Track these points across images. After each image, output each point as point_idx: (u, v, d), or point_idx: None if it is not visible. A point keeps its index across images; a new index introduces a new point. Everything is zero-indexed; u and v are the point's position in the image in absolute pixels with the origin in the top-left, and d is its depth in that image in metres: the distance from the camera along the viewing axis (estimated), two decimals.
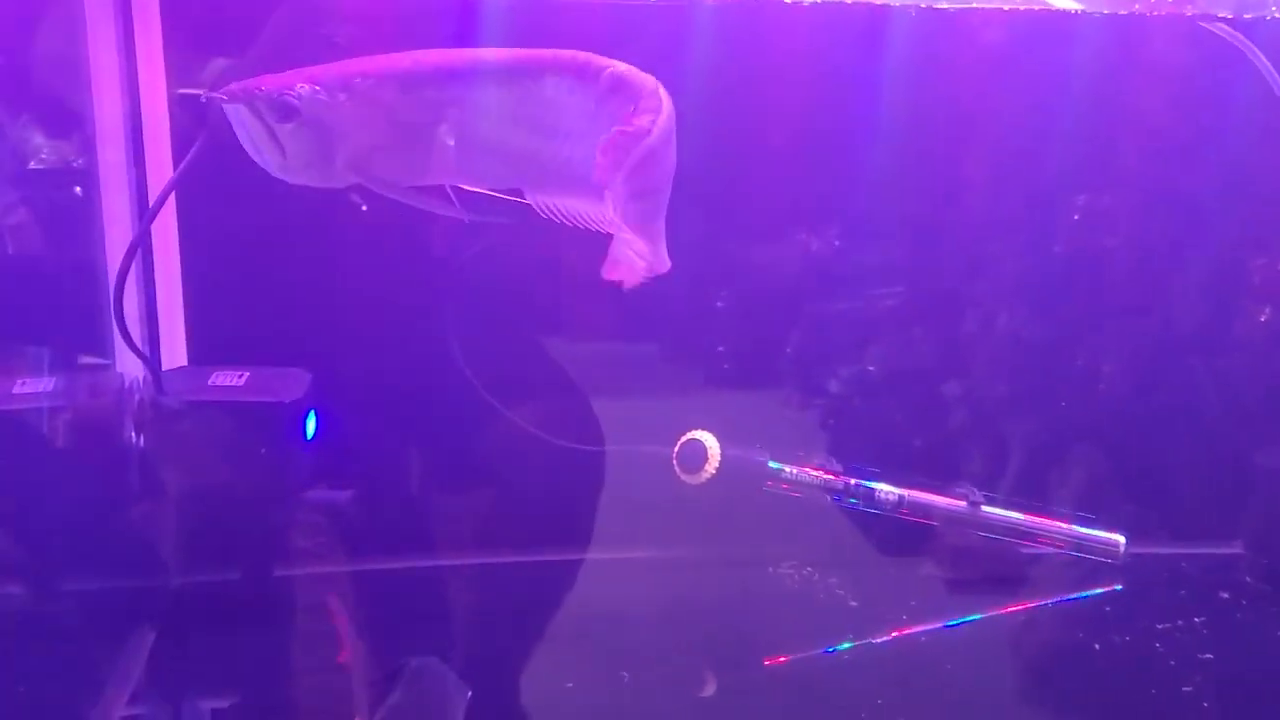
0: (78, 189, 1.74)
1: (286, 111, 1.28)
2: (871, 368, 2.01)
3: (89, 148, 1.70)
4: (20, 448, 1.60)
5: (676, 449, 1.87)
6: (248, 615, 1.70)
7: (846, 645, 1.85)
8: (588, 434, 1.94)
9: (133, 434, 1.60)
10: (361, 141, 1.31)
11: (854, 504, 1.86)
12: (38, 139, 1.74)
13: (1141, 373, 2.01)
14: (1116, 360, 2.01)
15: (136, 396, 1.61)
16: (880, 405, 2.01)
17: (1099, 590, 1.87)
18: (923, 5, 1.71)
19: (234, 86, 1.30)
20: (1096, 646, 1.78)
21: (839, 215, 1.96)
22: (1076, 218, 1.96)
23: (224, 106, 1.27)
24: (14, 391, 1.62)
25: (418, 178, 1.35)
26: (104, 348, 1.68)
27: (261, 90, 1.28)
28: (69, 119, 1.71)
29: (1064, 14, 1.71)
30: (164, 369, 1.67)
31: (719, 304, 1.97)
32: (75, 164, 1.74)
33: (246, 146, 1.30)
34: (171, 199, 1.65)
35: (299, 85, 1.28)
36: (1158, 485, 2.01)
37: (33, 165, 1.75)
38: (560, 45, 1.31)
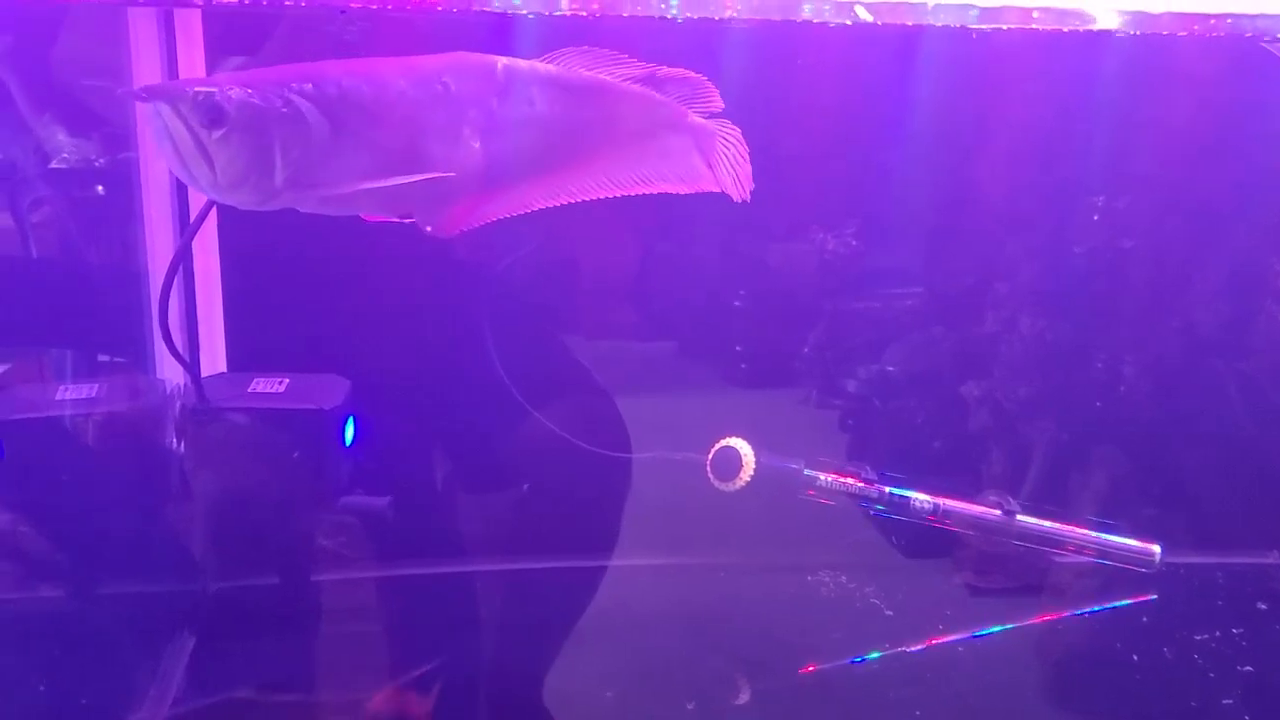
0: (117, 195, 1.75)
1: (215, 115, 1.12)
2: (890, 368, 2.00)
3: (130, 154, 1.72)
4: (63, 454, 1.61)
5: (710, 456, 1.87)
6: (289, 620, 1.71)
7: (874, 655, 1.85)
8: (621, 440, 1.94)
9: (174, 440, 1.61)
10: (302, 154, 1.16)
11: (885, 513, 1.86)
12: (78, 145, 1.76)
13: (1163, 375, 2.00)
14: (1138, 362, 2.00)
15: (178, 403, 1.62)
16: (899, 406, 2.00)
17: (1134, 600, 1.87)
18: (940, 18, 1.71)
19: (155, 84, 1.18)
20: (1135, 657, 1.78)
21: (857, 215, 1.96)
22: (1096, 218, 1.96)
23: (143, 107, 1.14)
24: (57, 398, 1.63)
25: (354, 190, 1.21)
26: (145, 354, 1.69)
27: (187, 90, 1.12)
28: (112, 125, 1.72)
29: (1086, 21, 1.71)
30: (204, 376, 1.68)
31: (736, 304, 1.97)
32: (114, 170, 1.75)
33: (169, 159, 1.14)
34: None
35: (229, 87, 1.13)
36: (1181, 490, 2.00)
37: (72, 171, 1.76)
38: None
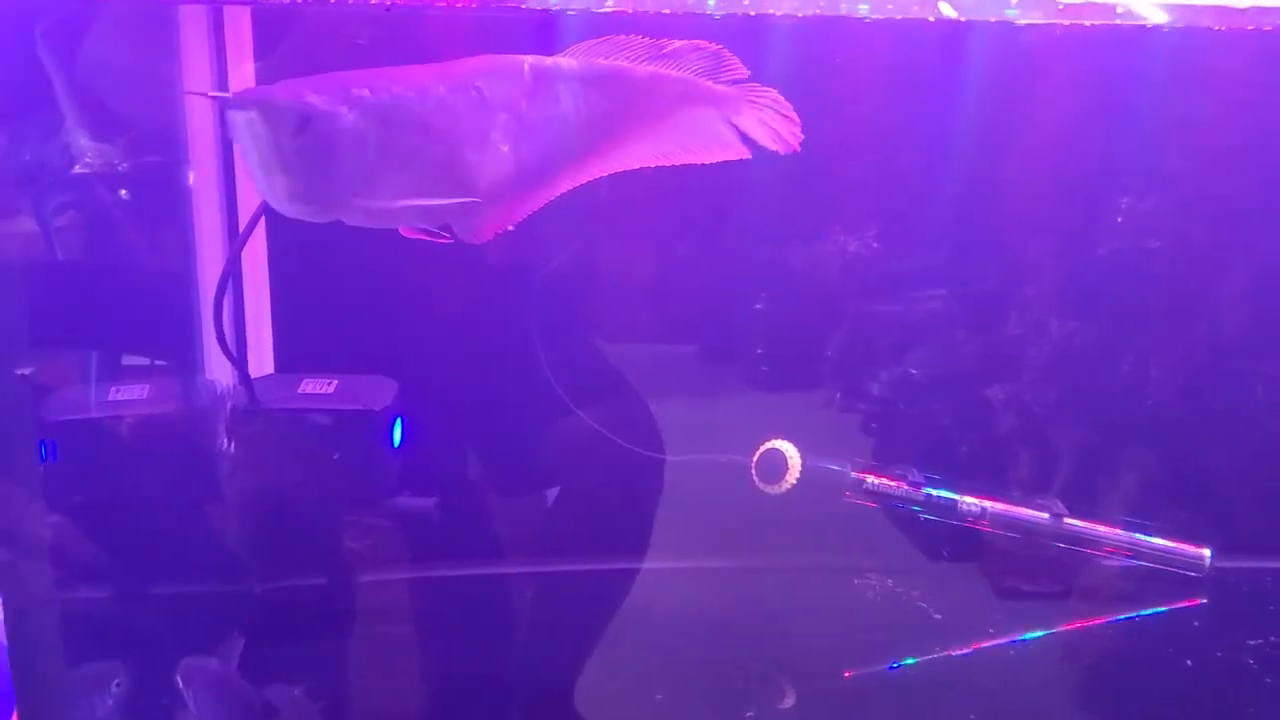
0: (166, 197, 1.76)
1: (303, 122, 1.09)
2: (914, 371, 1.99)
3: (180, 157, 1.73)
4: (116, 454, 1.62)
5: (755, 458, 1.87)
6: (337, 620, 1.72)
7: (919, 659, 1.84)
8: (657, 443, 1.94)
9: (225, 441, 1.62)
10: (363, 162, 1.14)
11: (931, 516, 1.85)
12: (130, 148, 1.77)
13: (1190, 376, 1.98)
14: (1164, 364, 1.98)
15: (229, 404, 1.63)
16: (924, 409, 1.99)
17: (1183, 604, 1.85)
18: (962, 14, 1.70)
19: (245, 91, 1.15)
20: (1189, 662, 1.76)
21: (879, 216, 1.95)
22: (1120, 220, 1.94)
23: (231, 115, 1.09)
24: (109, 399, 1.64)
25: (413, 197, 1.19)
26: (195, 355, 1.70)
27: (277, 97, 1.09)
28: (162, 130, 1.73)
29: (1112, 17, 1.69)
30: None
31: (758, 306, 1.97)
32: (164, 171, 1.76)
33: (253, 167, 1.12)
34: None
35: (310, 93, 1.10)
36: (1215, 492, 1.98)
37: (122, 172, 1.77)
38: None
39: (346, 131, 1.13)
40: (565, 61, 1.29)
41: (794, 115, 1.36)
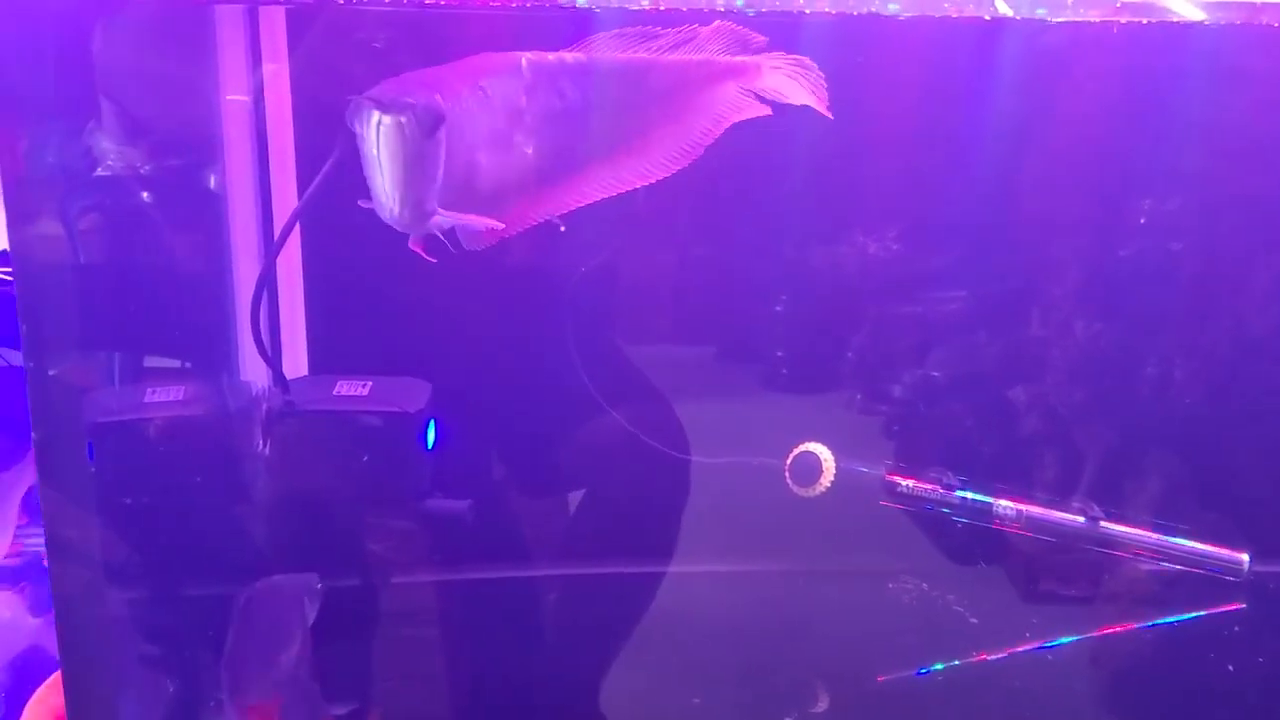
0: (202, 200, 1.77)
1: (434, 124, 1.07)
2: (935, 373, 1.98)
3: (215, 159, 1.73)
4: (152, 456, 1.63)
5: (789, 461, 1.86)
6: (368, 622, 1.72)
7: (953, 663, 1.83)
8: (684, 446, 1.93)
9: (261, 442, 1.62)
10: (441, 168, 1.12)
11: (965, 520, 1.84)
12: (165, 150, 1.77)
13: (1216, 377, 1.96)
14: (1189, 365, 1.96)
15: (265, 405, 1.63)
16: (945, 411, 1.98)
17: (1222, 609, 1.83)
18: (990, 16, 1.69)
19: (388, 94, 1.09)
20: (1230, 667, 1.74)
21: (899, 217, 1.94)
22: (1144, 220, 1.93)
23: (370, 116, 1.06)
24: (145, 400, 1.65)
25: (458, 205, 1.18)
26: (231, 357, 1.71)
27: (411, 99, 1.07)
28: (198, 133, 1.74)
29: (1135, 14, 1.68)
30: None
31: (778, 308, 1.96)
32: (199, 173, 1.77)
33: (384, 173, 1.09)
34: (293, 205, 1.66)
35: (434, 94, 1.08)
36: (1240, 494, 1.96)
37: (156, 175, 1.78)
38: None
39: (446, 135, 1.12)
40: (569, 55, 1.27)
41: (818, 71, 1.35)
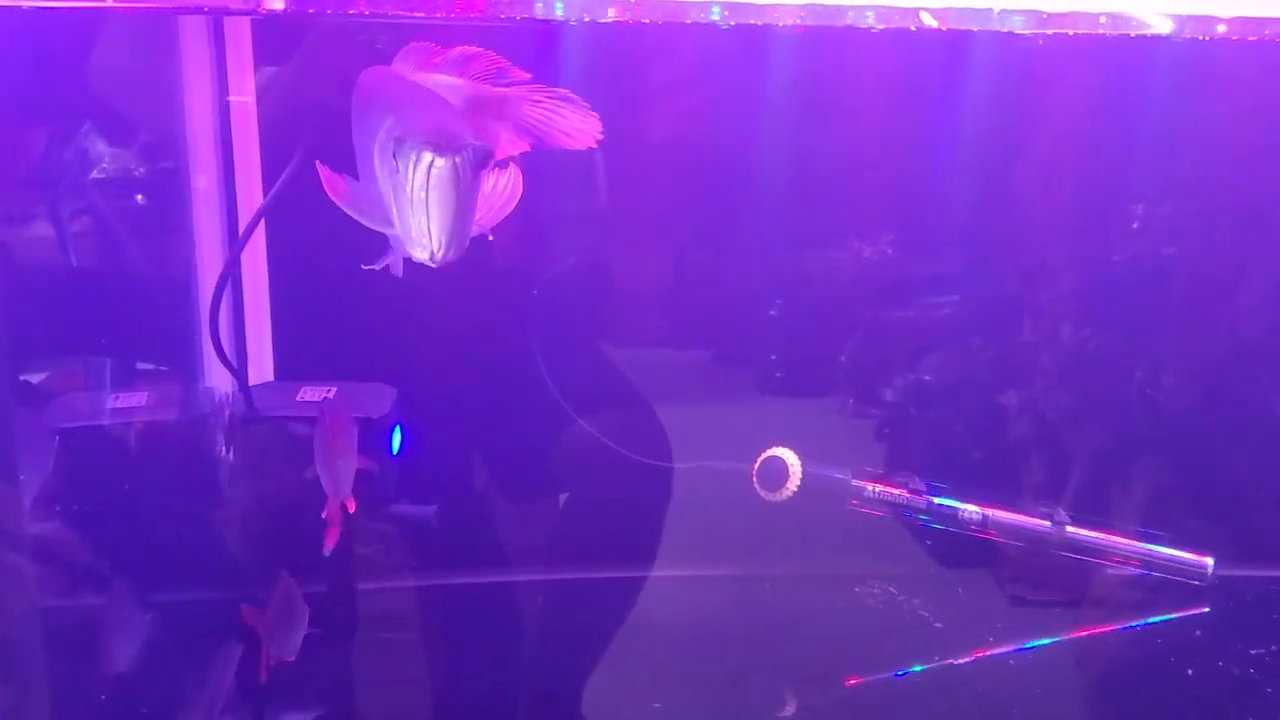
0: (164, 204, 1.76)
1: (486, 159, 1.03)
2: (928, 378, 1.99)
3: (178, 164, 1.73)
4: (113, 462, 1.63)
5: (756, 466, 1.86)
6: (335, 628, 1.71)
7: (921, 668, 1.83)
8: (663, 450, 1.94)
9: (224, 449, 1.62)
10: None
11: (932, 524, 1.85)
12: (130, 154, 1.77)
13: (1205, 384, 1.97)
14: (1179, 371, 1.97)
15: (227, 411, 1.63)
16: (937, 416, 1.99)
17: (1186, 613, 1.84)
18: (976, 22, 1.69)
19: (446, 134, 1.02)
20: (1190, 671, 1.75)
21: (893, 222, 1.94)
22: (1136, 226, 1.94)
23: (403, 158, 1.00)
24: (107, 406, 1.65)
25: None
26: (193, 363, 1.70)
27: (466, 138, 1.01)
28: (162, 136, 1.74)
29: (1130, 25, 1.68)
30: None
31: (772, 312, 1.96)
32: (165, 179, 1.76)
33: (423, 213, 1.01)
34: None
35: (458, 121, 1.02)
36: (1227, 501, 1.97)
37: (122, 179, 1.77)
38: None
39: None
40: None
41: (586, 110, 1.20)
